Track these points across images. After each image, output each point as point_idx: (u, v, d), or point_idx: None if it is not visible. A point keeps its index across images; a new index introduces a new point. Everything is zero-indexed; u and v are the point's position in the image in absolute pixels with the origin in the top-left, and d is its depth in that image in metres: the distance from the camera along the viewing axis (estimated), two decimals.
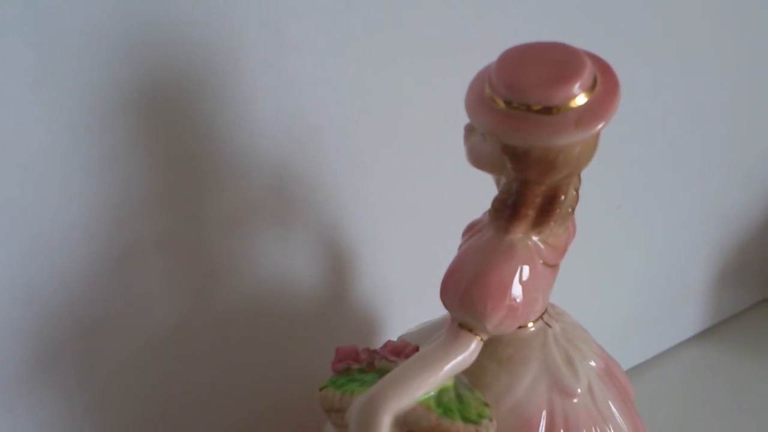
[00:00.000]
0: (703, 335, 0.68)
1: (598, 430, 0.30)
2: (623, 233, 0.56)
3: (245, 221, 0.37)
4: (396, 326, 0.44)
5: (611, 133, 0.49)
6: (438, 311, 0.36)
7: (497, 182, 0.29)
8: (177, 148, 0.34)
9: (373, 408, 0.26)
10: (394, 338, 0.37)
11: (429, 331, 0.34)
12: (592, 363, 0.32)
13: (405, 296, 0.44)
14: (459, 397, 0.28)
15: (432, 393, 0.27)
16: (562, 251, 0.29)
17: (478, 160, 0.28)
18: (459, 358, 0.27)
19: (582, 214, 0.50)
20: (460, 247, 0.30)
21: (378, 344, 0.44)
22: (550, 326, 0.31)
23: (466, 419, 0.27)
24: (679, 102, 0.53)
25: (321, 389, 0.30)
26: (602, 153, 0.49)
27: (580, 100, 0.24)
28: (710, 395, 0.61)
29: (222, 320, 0.39)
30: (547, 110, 0.24)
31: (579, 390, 0.30)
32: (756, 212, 0.66)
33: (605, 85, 0.25)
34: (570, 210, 0.28)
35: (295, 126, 0.37)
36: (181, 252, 0.36)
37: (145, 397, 0.38)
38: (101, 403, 0.36)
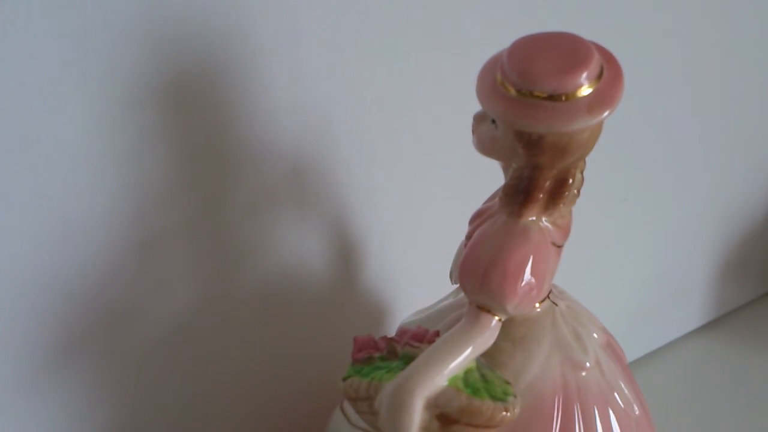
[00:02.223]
0: (707, 328, 0.68)
1: (608, 400, 0.31)
2: (628, 226, 0.56)
3: (261, 210, 0.38)
4: (404, 313, 0.45)
5: (617, 129, 0.50)
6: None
7: (505, 169, 0.30)
8: (197, 138, 0.35)
9: (405, 393, 0.27)
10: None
11: (434, 317, 0.35)
12: (596, 336, 0.33)
13: (413, 284, 0.45)
14: (483, 377, 0.28)
15: (459, 374, 0.28)
16: (568, 232, 0.30)
17: (488, 147, 0.28)
18: (482, 339, 0.28)
19: (588, 206, 0.51)
20: (468, 234, 0.30)
21: (388, 330, 0.45)
22: (556, 305, 0.32)
23: (494, 397, 0.27)
24: (683, 96, 0.54)
25: (344, 379, 0.30)
26: (609, 148, 0.50)
27: (591, 86, 0.25)
28: (713, 387, 0.61)
29: (239, 307, 0.39)
30: (561, 97, 0.25)
31: (588, 363, 0.31)
32: (760, 205, 0.66)
33: (611, 71, 0.26)
34: (576, 192, 0.28)
35: (309, 118, 0.37)
36: (201, 240, 0.37)
37: (165, 380, 0.38)
38: (123, 385, 0.37)
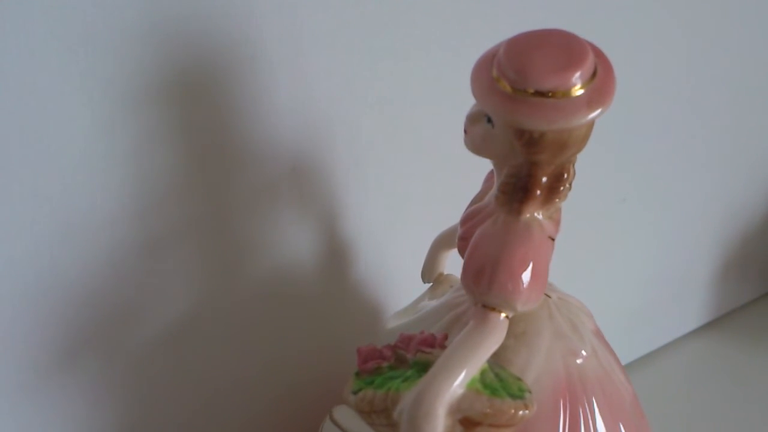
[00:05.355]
0: (707, 328, 0.68)
1: (606, 386, 0.32)
2: (628, 226, 0.57)
3: (262, 210, 0.38)
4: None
5: (617, 129, 0.50)
6: None
7: (499, 168, 0.29)
8: (198, 138, 0.35)
9: (428, 401, 0.27)
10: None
11: (427, 319, 0.35)
12: (587, 324, 0.33)
13: (411, 283, 0.45)
14: (497, 376, 0.28)
15: (476, 376, 0.27)
16: (559, 224, 0.30)
17: (481, 147, 0.29)
18: (494, 338, 0.28)
19: (588, 206, 0.52)
20: (462, 236, 0.31)
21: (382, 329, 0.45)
22: (549, 296, 0.33)
23: (512, 395, 0.27)
24: (683, 97, 0.54)
25: (354, 392, 0.29)
26: (609, 148, 0.50)
27: (588, 82, 0.26)
28: (713, 387, 0.61)
29: (240, 306, 0.40)
30: (563, 94, 0.25)
31: (584, 352, 0.32)
32: (759, 206, 0.66)
33: (603, 66, 0.26)
34: (569, 186, 0.29)
35: (310, 118, 0.38)
36: (203, 240, 0.37)
37: (167, 381, 0.39)
38: (126, 386, 0.37)
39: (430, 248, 0.39)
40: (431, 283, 0.39)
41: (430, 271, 0.39)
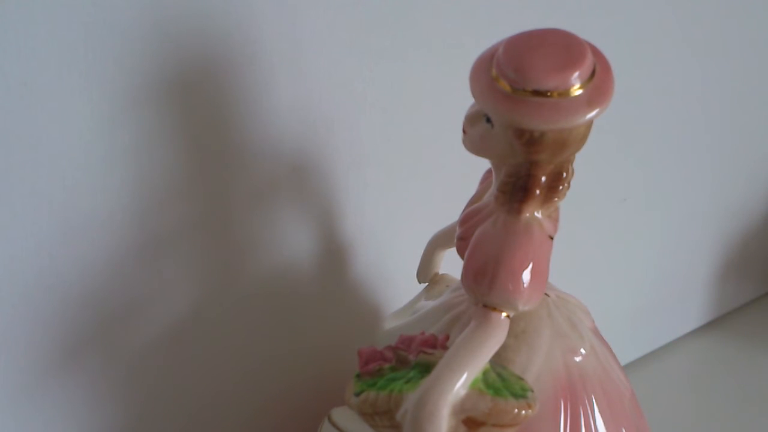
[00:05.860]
0: (708, 327, 0.68)
1: (605, 384, 0.32)
2: (629, 226, 0.57)
3: (261, 210, 0.38)
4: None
5: (618, 129, 0.50)
6: None
7: (497, 168, 0.29)
8: (197, 138, 0.35)
9: (431, 402, 0.27)
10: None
11: (425, 320, 0.35)
12: (585, 322, 0.33)
13: (411, 283, 0.45)
14: (500, 376, 0.28)
15: (478, 377, 0.27)
16: (558, 223, 0.30)
17: (480, 147, 0.29)
18: (496, 338, 0.28)
19: (588, 206, 0.52)
20: (460, 236, 0.31)
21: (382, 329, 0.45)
22: (548, 295, 0.33)
23: (514, 395, 0.27)
24: (684, 98, 0.54)
25: (357, 394, 0.29)
26: (609, 148, 0.50)
27: (587, 82, 0.26)
28: (715, 386, 0.61)
29: (240, 306, 0.40)
30: (563, 94, 0.25)
31: (583, 350, 0.32)
32: (760, 206, 0.66)
33: (601, 65, 0.26)
34: (567, 185, 0.29)
35: (309, 118, 0.38)
36: (202, 240, 0.37)
37: (167, 381, 0.38)
38: (124, 387, 0.37)
39: (425, 248, 0.38)
40: (427, 284, 0.39)
41: (425, 271, 0.39)
